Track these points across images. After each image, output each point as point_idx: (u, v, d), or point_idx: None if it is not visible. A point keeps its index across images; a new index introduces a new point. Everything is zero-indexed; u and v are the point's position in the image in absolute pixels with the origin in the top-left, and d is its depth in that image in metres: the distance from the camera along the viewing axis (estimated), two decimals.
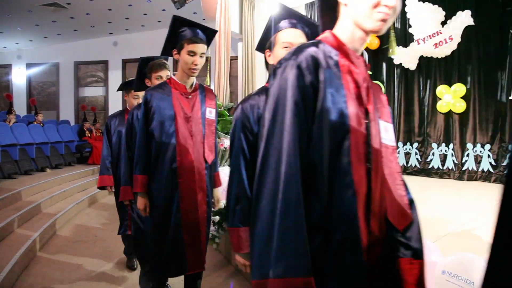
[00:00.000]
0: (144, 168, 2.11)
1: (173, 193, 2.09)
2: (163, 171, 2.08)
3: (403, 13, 6.47)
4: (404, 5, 6.37)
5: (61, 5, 8.42)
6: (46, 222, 4.30)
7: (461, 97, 5.81)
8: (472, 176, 5.75)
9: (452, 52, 5.91)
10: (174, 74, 2.19)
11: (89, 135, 9.04)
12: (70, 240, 4.19)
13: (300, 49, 0.97)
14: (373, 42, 6.77)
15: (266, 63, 1.65)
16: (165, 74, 2.57)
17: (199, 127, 2.13)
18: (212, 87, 10.45)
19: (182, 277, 2.45)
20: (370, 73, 6.96)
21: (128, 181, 2.55)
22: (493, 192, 4.85)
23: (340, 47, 1.01)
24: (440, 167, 6.12)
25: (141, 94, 3.07)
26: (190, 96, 2.15)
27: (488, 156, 5.61)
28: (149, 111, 2.10)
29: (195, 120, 2.12)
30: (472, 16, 5.61)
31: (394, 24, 6.69)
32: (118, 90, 3.52)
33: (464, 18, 5.68)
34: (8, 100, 7.90)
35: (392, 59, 6.57)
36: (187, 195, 2.10)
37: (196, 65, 2.05)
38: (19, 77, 11.95)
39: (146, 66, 2.73)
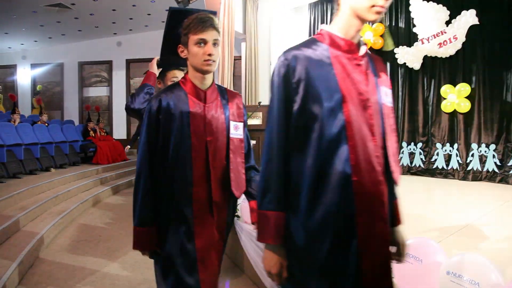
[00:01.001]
0: (281, 198, 1.12)
1: (347, 240, 1.08)
2: (324, 200, 1.07)
3: (407, 12, 6.45)
4: (408, 4, 6.35)
5: (66, 6, 8.46)
6: (51, 222, 4.32)
7: (466, 97, 5.78)
8: (476, 176, 5.72)
9: (457, 52, 5.88)
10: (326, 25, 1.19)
11: (93, 135, 9.06)
12: (74, 240, 4.20)
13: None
14: (377, 42, 6.75)
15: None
16: (213, 37, 1.54)
17: (378, 118, 1.14)
18: None
19: None
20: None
21: (152, 217, 1.53)
22: (498, 193, 4.82)
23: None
24: (445, 167, 6.09)
25: (180, 74, 2.14)
26: (362, 62, 1.14)
27: (493, 156, 5.58)
28: (295, 91, 1.10)
29: (374, 105, 1.13)
30: (476, 15, 5.58)
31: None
32: (161, 66, 2.17)
33: (468, 18, 5.65)
34: (12, 101, 7.95)
35: (396, 59, 6.55)
36: (370, 243, 1.09)
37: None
38: (24, 77, 12.02)
39: (181, 24, 1.60)
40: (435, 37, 6.02)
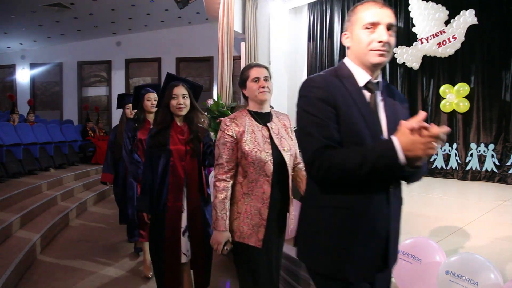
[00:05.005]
0: None
1: None
2: None
3: (406, 12, 6.45)
4: (407, 4, 6.36)
5: (65, 6, 8.45)
6: (50, 221, 4.32)
7: (465, 97, 5.79)
8: (475, 176, 5.72)
9: (456, 52, 5.88)
10: None
11: (92, 135, 9.06)
12: (73, 240, 4.20)
13: None
14: None
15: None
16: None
17: None
18: (215, 87, 10.49)
19: None
20: None
21: None
22: (496, 192, 4.83)
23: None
24: (444, 167, 6.09)
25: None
26: None
27: (492, 156, 5.58)
28: None
29: None
30: (476, 15, 5.59)
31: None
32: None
33: (467, 17, 5.65)
34: (11, 101, 7.92)
35: (396, 59, 6.55)
36: None
37: None
38: (23, 77, 12.00)
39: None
40: (434, 37, 6.02)
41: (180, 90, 2.29)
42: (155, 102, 3.08)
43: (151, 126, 2.95)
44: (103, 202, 6.12)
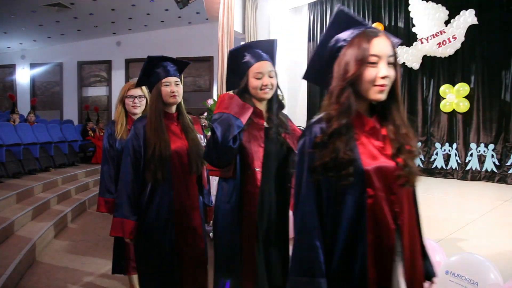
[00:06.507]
0: None
1: None
2: None
3: (406, 12, 6.45)
4: (407, 4, 6.36)
5: (65, 5, 8.45)
6: (50, 221, 4.32)
7: (465, 97, 5.79)
8: (475, 176, 5.72)
9: (456, 52, 5.89)
10: None
11: (92, 134, 9.07)
12: (73, 240, 4.20)
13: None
14: None
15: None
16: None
17: None
18: (215, 87, 10.50)
19: None
20: None
21: None
22: (496, 192, 4.83)
23: None
24: (444, 166, 6.09)
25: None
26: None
27: (492, 156, 5.58)
28: None
29: None
30: (475, 15, 5.59)
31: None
32: None
33: (467, 17, 5.66)
34: (11, 100, 7.92)
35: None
36: None
37: None
38: (23, 77, 12.01)
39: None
40: (434, 37, 6.03)
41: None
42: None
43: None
44: None
